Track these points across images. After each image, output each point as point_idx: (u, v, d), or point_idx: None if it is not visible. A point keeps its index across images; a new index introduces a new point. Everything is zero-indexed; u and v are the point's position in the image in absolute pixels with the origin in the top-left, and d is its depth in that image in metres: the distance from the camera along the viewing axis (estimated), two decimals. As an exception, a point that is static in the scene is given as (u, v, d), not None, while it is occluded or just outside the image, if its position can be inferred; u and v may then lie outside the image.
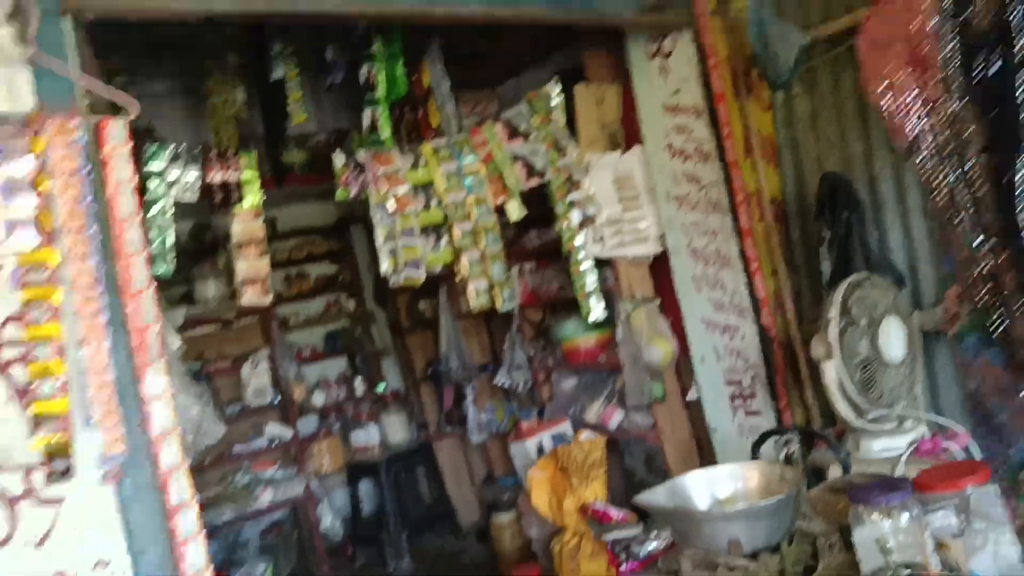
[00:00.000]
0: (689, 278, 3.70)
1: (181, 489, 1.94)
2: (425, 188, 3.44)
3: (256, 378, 4.93)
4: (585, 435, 3.84)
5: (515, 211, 3.59)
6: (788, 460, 1.77)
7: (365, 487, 5.88)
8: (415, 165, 3.43)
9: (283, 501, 4.83)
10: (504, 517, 4.42)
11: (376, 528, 5.69)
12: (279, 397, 5.19)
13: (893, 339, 2.84)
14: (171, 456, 1.93)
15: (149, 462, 1.93)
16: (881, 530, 1.49)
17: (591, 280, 3.68)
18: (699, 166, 3.74)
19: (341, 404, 5.99)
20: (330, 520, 5.37)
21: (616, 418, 4.04)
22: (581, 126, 3.97)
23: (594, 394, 4.23)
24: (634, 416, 3.99)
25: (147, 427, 1.93)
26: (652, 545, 2.68)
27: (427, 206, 3.44)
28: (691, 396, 3.76)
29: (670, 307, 3.79)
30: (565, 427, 4.13)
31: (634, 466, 4.33)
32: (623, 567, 2.64)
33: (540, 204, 3.79)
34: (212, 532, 4.26)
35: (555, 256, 4.32)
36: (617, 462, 4.28)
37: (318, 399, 5.85)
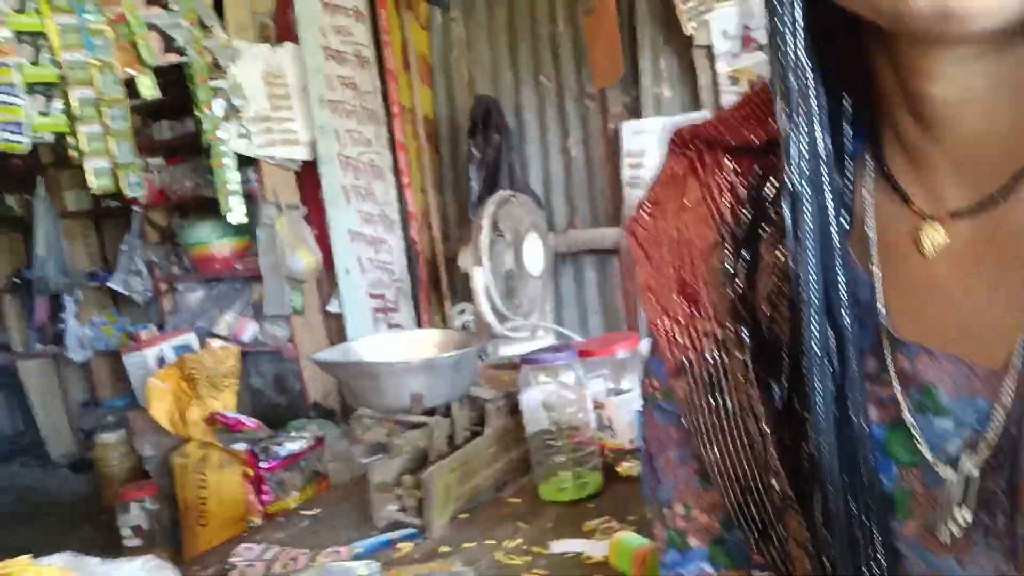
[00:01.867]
0: (339, 188, 3.60)
1: None
2: (35, 38, 2.89)
3: None
4: (218, 344, 3.57)
5: (148, 88, 3.18)
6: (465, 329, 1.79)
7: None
8: (21, 9, 2.86)
9: None
10: (110, 436, 3.96)
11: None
12: None
13: (534, 254, 3.03)
14: None
15: None
16: (547, 391, 1.57)
17: (234, 178, 3.41)
18: (357, 72, 3.64)
19: None
20: None
21: (250, 330, 3.82)
22: (229, 8, 3.62)
23: (226, 305, 3.95)
24: (270, 328, 3.81)
25: None
26: (295, 445, 2.58)
27: (36, 61, 2.90)
28: (332, 308, 3.68)
29: (316, 216, 3.66)
30: (190, 338, 3.80)
31: (262, 387, 4.15)
32: (262, 464, 2.50)
33: (176, 91, 3.41)
34: None
35: (189, 153, 3.94)
36: (243, 382, 4.06)
37: None
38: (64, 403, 5.20)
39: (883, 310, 0.50)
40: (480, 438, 1.60)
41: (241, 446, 3.00)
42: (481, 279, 2.85)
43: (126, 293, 4.22)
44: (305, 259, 3.52)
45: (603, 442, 1.63)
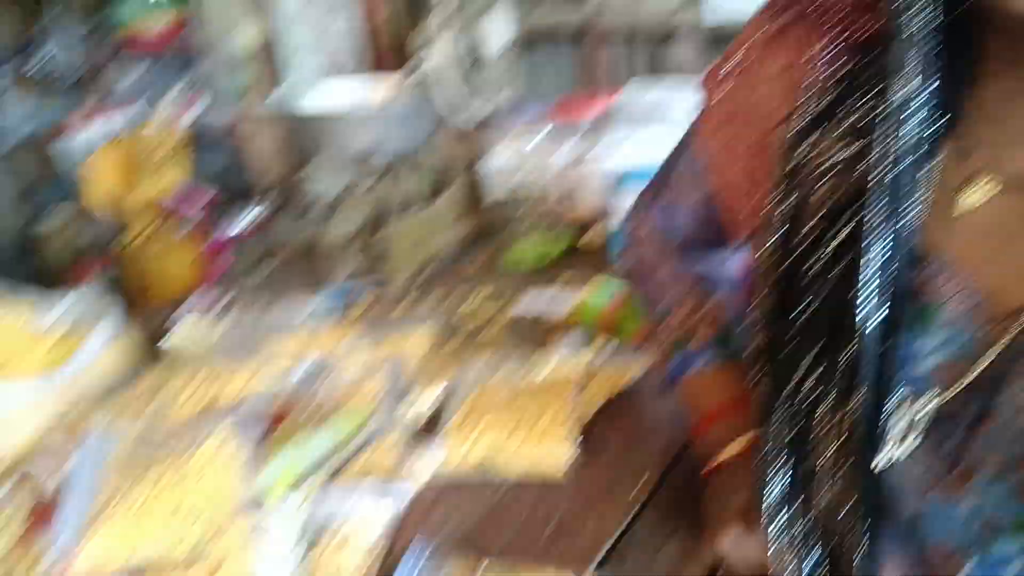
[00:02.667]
0: (285, -43, 3.29)
1: None
2: None
3: None
4: (158, 122, 3.36)
5: None
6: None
7: None
8: None
9: None
10: (51, 225, 3.79)
11: None
12: None
13: (496, 34, 2.84)
14: None
15: None
16: (509, 155, 1.48)
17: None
18: None
19: None
20: None
21: (193, 112, 3.59)
22: None
23: (166, 85, 3.69)
24: (215, 111, 3.59)
25: None
26: (247, 221, 2.47)
27: None
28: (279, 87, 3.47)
29: (261, -9, 3.36)
30: (130, 117, 3.57)
31: (217, 172, 3.96)
32: (214, 238, 2.40)
33: None
34: None
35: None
36: (198, 164, 3.87)
37: None
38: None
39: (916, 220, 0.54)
40: (439, 199, 1.53)
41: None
42: (436, 62, 2.67)
43: (53, 73, 3.91)
44: (249, 31, 3.27)
45: (568, 210, 1.57)
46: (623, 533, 0.76)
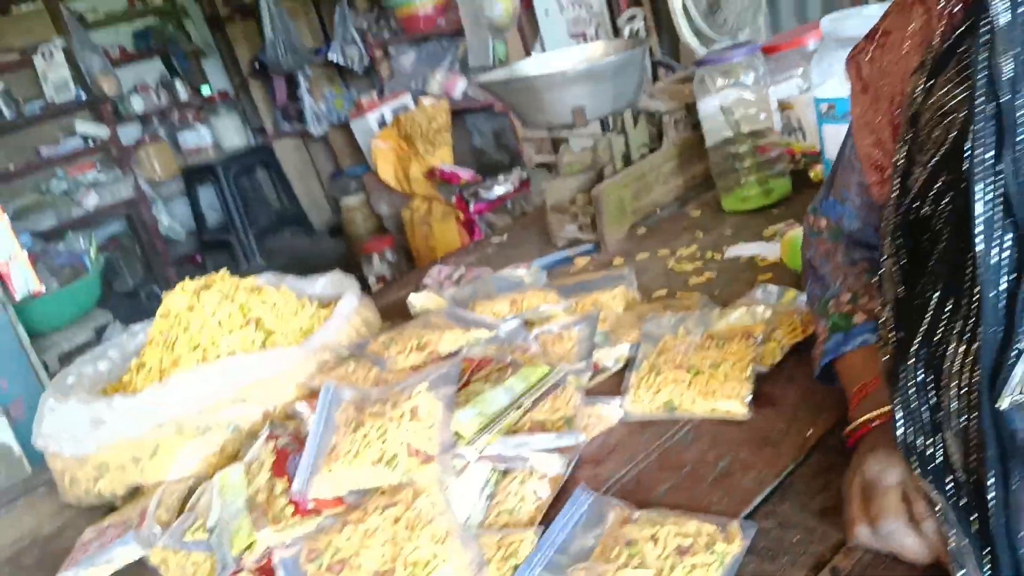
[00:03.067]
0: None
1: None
2: None
3: (53, 71, 4.36)
4: (429, 101, 3.67)
5: None
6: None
7: (206, 195, 5.60)
8: None
9: (111, 205, 4.50)
10: (353, 200, 4.31)
11: (224, 235, 5.52)
12: (86, 95, 4.64)
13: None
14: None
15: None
16: (725, 95, 1.45)
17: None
18: None
19: (164, 110, 5.50)
20: (168, 221, 5.11)
21: (460, 86, 3.86)
22: None
23: (435, 64, 4.01)
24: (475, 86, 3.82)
25: None
26: (501, 188, 2.65)
27: None
28: (535, 52, 3.60)
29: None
30: (406, 99, 3.93)
31: (484, 145, 4.25)
32: (471, 208, 2.61)
33: None
34: (46, 238, 3.92)
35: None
36: (465, 139, 4.17)
37: (137, 105, 5.33)
38: (316, 176, 5.70)
39: None
40: (656, 152, 1.54)
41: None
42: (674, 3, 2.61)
43: (344, 64, 4.39)
44: (502, 3, 3.42)
45: (791, 146, 1.50)
46: (777, 486, 0.76)
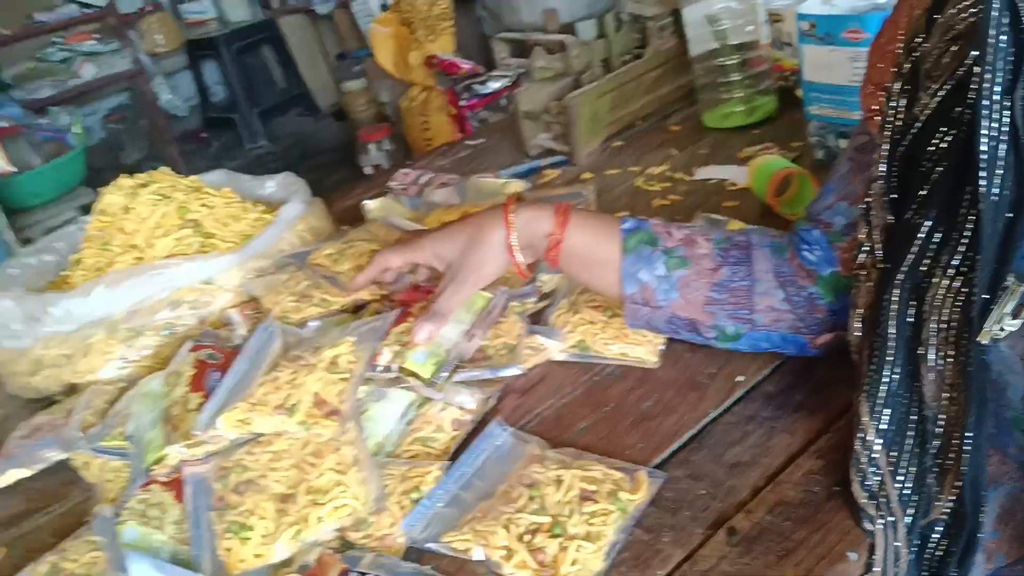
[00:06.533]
0: None
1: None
2: None
3: (48, -68, 4.18)
4: (431, -15, 3.50)
5: None
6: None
7: (210, 71, 5.48)
8: None
9: (110, 76, 4.39)
10: (354, 85, 4.19)
11: (229, 113, 5.43)
12: (83, -42, 4.46)
13: None
14: None
15: None
16: (712, 5, 1.36)
17: None
18: None
19: (167, -23, 5.31)
20: (169, 95, 5.02)
21: (466, -30, 3.68)
22: None
23: (443, -56, 3.80)
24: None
25: None
26: (496, 84, 2.55)
27: None
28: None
29: None
30: (411, -19, 3.75)
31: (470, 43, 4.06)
32: (462, 103, 2.53)
33: None
34: (39, 112, 3.86)
35: None
36: (473, 27, 4.00)
37: (138, -29, 5.14)
38: (323, 57, 5.54)
39: None
40: (638, 61, 1.45)
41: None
42: None
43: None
44: None
45: (780, 61, 1.42)
46: (696, 434, 0.74)
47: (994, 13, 0.50)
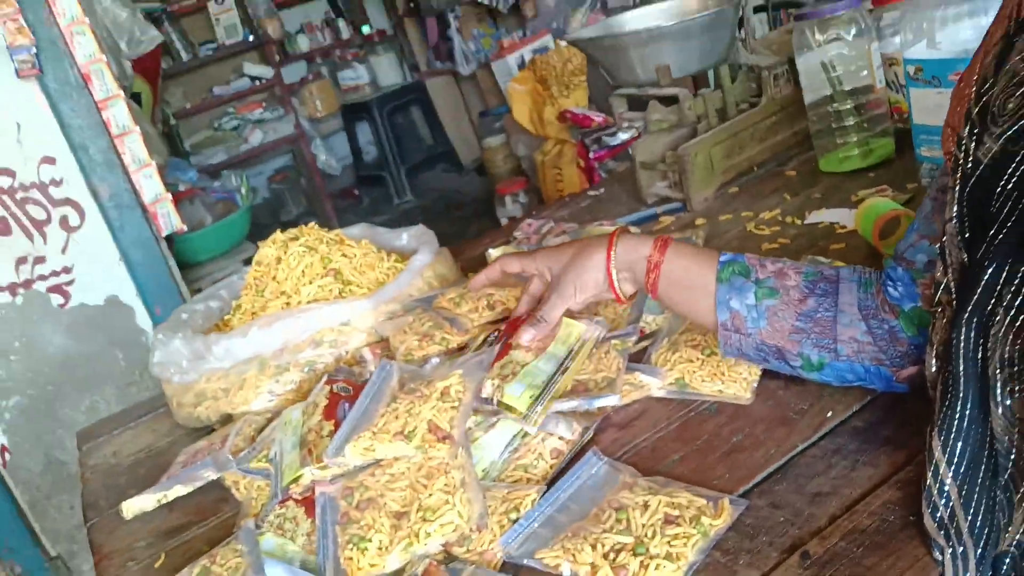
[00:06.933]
0: None
1: (105, 84, 1.85)
2: None
3: (225, 15, 4.66)
4: (564, 43, 3.65)
5: None
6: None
7: (363, 131, 5.87)
8: None
9: (274, 141, 4.82)
10: (494, 141, 4.39)
11: (378, 170, 5.78)
12: (252, 36, 4.94)
13: None
14: (87, 48, 1.81)
15: (65, 56, 1.83)
16: (826, 52, 1.38)
17: None
18: None
19: (327, 49, 5.77)
20: (325, 156, 5.41)
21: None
22: None
23: (578, 3, 3.96)
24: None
25: (55, 17, 1.79)
26: (624, 135, 2.63)
27: None
28: None
29: None
30: (546, 40, 3.93)
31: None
32: (591, 155, 2.62)
33: None
34: (213, 175, 4.29)
35: None
36: (605, 81, 4.13)
37: (303, 43, 5.62)
38: (467, 114, 5.82)
39: None
40: (753, 109, 1.49)
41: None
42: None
43: (488, 3, 4.42)
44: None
45: (898, 104, 1.42)
46: (782, 465, 0.77)
47: None
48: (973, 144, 0.64)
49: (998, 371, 0.57)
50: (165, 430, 1.29)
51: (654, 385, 0.95)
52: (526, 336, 0.93)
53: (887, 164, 1.38)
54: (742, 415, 0.86)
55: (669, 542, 0.70)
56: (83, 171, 1.92)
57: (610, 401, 0.92)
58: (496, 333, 1.03)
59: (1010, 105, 0.60)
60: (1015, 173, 0.58)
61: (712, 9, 1.35)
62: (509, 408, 0.88)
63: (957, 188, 0.64)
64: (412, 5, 5.46)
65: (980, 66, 0.67)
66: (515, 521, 0.78)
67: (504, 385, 0.89)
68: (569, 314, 0.98)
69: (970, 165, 0.64)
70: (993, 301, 0.58)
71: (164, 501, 1.02)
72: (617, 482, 0.80)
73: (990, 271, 0.59)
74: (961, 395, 0.60)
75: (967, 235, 0.63)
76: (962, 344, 0.60)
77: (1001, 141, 0.60)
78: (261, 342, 1.13)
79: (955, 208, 0.64)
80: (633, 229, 1.36)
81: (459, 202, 5.28)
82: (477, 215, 4.73)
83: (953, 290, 0.64)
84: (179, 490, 1.03)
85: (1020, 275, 0.56)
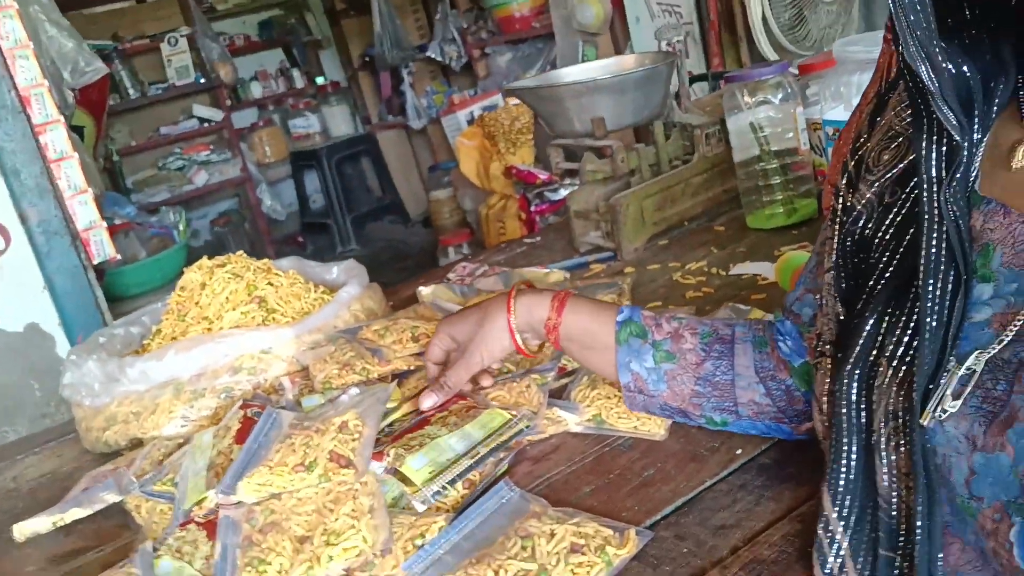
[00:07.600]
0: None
1: (45, 108, 1.83)
2: None
3: (177, 57, 4.66)
4: (514, 101, 3.72)
5: None
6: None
7: (311, 179, 5.86)
8: None
9: (220, 182, 4.79)
10: (441, 194, 4.42)
11: (324, 218, 5.77)
12: (204, 80, 4.94)
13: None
14: (29, 72, 1.79)
15: (4, 79, 1.80)
16: (755, 114, 1.44)
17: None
18: None
19: (280, 96, 5.80)
20: (271, 201, 5.38)
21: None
22: None
23: (529, 65, 4.06)
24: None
25: (-4, 40, 1.78)
26: (565, 191, 2.68)
27: None
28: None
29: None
30: (496, 99, 4.01)
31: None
32: (532, 208, 2.65)
33: None
34: (152, 212, 4.24)
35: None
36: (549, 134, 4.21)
37: (255, 90, 5.64)
38: (416, 168, 5.86)
39: (974, 174, 0.57)
40: (686, 165, 1.54)
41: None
42: (758, 8, 2.58)
43: (443, 60, 4.50)
44: (594, 8, 3.45)
45: (822, 167, 1.47)
46: (689, 499, 0.78)
47: (922, 129, 0.56)
48: (850, 195, 0.66)
49: (882, 424, 0.57)
50: (72, 456, 1.24)
51: (572, 421, 0.95)
52: (428, 402, 0.94)
53: (810, 222, 1.43)
54: (655, 451, 0.87)
55: (572, 570, 0.70)
56: (12, 195, 1.87)
57: (525, 433, 0.91)
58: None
59: (885, 156, 0.63)
60: (892, 223, 0.60)
61: (648, 66, 1.39)
62: (405, 480, 0.86)
63: (836, 238, 0.66)
64: (367, 60, 5.53)
65: (856, 123, 0.70)
66: (421, 547, 0.77)
67: (406, 455, 0.87)
68: (501, 400, 0.98)
69: (848, 216, 0.65)
70: (875, 352, 0.58)
71: (61, 524, 0.98)
72: (527, 511, 0.80)
73: (871, 321, 0.59)
74: (846, 448, 0.59)
75: (843, 285, 0.64)
76: (844, 396, 0.59)
77: (875, 187, 0.62)
78: (178, 366, 1.11)
79: (833, 258, 0.66)
80: (559, 273, 1.39)
81: (404, 253, 5.28)
82: (421, 266, 4.73)
83: (829, 341, 0.64)
84: (76, 512, 0.99)
85: (902, 325, 0.57)
